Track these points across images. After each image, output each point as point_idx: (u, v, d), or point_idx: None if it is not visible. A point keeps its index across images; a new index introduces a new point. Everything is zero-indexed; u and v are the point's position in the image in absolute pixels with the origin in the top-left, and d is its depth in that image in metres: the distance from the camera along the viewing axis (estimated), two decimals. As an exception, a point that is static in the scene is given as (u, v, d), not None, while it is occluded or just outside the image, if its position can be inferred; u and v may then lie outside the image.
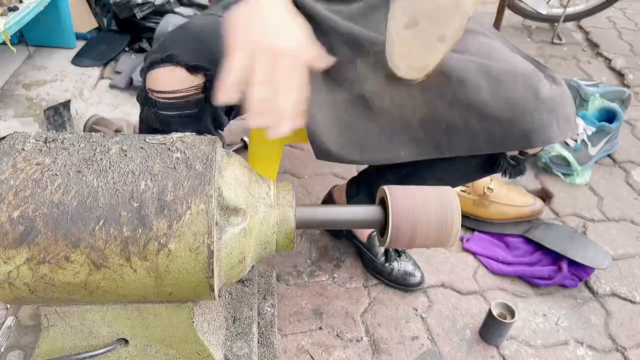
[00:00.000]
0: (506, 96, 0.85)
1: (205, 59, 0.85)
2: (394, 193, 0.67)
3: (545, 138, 0.87)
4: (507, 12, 2.34)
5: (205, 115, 0.89)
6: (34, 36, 2.04)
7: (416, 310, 1.24)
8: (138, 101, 0.93)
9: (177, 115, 0.87)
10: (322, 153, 0.89)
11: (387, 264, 1.28)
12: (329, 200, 1.40)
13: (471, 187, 1.47)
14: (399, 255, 1.28)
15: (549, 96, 0.86)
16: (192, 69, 0.85)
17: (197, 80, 0.86)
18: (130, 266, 0.57)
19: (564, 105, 0.88)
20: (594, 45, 2.51)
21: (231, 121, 1.01)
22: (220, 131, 0.93)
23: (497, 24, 2.22)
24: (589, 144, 1.66)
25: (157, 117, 0.88)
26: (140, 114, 0.94)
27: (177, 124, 0.87)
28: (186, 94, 0.86)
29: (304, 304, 1.24)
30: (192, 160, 0.61)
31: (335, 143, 0.89)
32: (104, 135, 0.65)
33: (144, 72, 0.88)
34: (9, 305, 0.80)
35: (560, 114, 0.87)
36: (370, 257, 1.30)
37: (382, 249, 1.30)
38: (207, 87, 0.86)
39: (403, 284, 1.27)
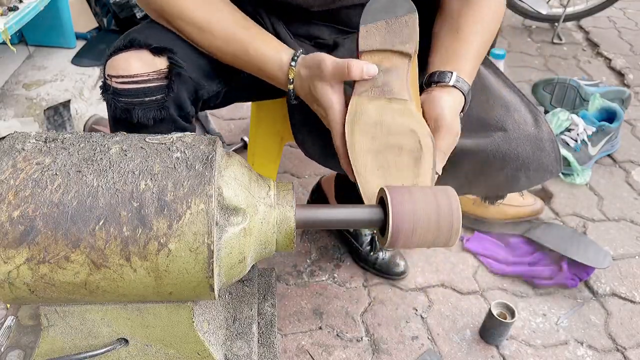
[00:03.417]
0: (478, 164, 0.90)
1: (171, 44, 0.84)
2: (394, 193, 0.67)
3: (511, 189, 0.96)
4: (507, 12, 2.34)
5: (168, 103, 0.84)
6: (34, 36, 2.04)
7: (416, 310, 1.24)
8: (101, 92, 0.89)
9: (137, 103, 0.83)
10: (310, 158, 0.97)
11: (372, 253, 1.32)
12: (317, 191, 1.42)
13: (471, 187, 1.47)
14: None
15: (520, 155, 0.90)
16: (155, 51, 0.83)
17: (160, 64, 0.83)
18: (130, 266, 0.57)
19: (539, 156, 0.91)
20: (594, 45, 2.51)
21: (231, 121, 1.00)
22: (186, 123, 0.89)
23: (497, 24, 2.22)
24: (589, 144, 1.66)
25: (116, 105, 0.84)
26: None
27: (137, 112, 0.83)
28: (146, 78, 0.82)
29: (304, 304, 1.24)
30: (192, 160, 0.61)
31: (319, 154, 0.95)
32: (104, 135, 0.65)
33: (105, 60, 0.85)
34: (9, 305, 0.80)
35: (532, 166, 0.91)
36: (356, 246, 1.34)
37: (367, 238, 1.33)
38: (171, 73, 0.83)
39: (387, 273, 1.31)
